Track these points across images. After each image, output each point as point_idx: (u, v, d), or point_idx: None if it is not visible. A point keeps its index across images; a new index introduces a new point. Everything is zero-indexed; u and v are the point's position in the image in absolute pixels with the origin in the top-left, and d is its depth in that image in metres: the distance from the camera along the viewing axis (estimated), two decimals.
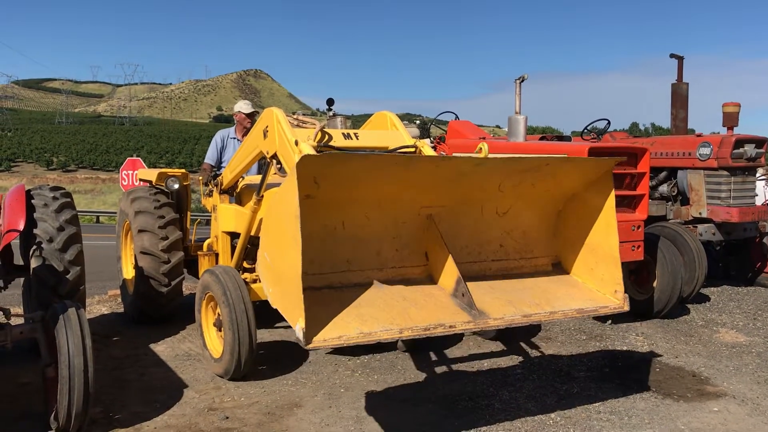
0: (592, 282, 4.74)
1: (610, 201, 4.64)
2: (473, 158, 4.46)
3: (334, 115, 5.74)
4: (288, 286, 3.62)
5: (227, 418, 4.67)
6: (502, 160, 4.58)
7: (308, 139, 4.91)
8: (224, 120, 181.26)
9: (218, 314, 5.47)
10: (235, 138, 7.39)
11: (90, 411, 4.26)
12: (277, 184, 5.16)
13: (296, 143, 4.88)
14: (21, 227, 5.04)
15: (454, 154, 4.81)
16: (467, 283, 4.24)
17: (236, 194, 6.66)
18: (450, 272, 4.33)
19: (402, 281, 4.38)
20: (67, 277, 5.38)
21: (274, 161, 5.36)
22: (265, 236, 4.11)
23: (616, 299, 4.57)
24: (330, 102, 5.94)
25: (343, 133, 5.18)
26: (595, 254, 4.74)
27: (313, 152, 4.64)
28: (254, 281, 5.99)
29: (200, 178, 7.10)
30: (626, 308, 4.55)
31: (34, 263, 5.36)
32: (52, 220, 5.52)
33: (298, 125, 5.57)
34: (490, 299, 4.33)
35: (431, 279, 4.47)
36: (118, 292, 8.09)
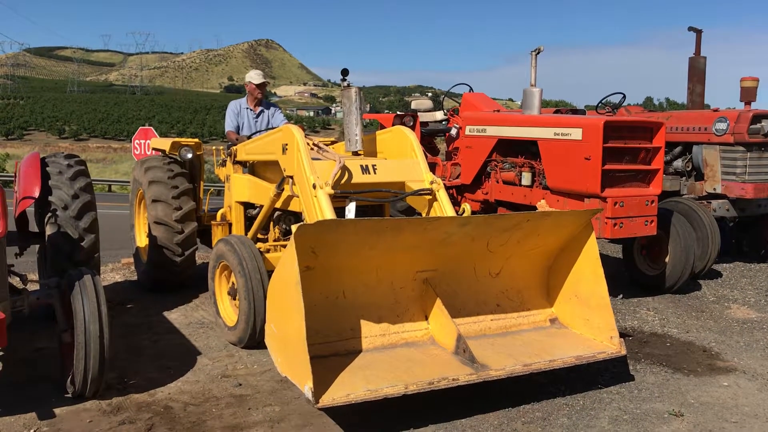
0: (589, 331, 5.00)
1: (594, 252, 4.92)
2: (457, 218, 4.66)
3: (349, 85, 5.69)
4: (294, 351, 3.86)
5: (240, 385, 4.73)
6: (485, 219, 4.78)
7: (325, 184, 4.90)
8: (235, 90, 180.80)
9: (232, 283, 5.50)
10: (248, 108, 7.37)
11: (105, 376, 4.34)
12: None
13: (314, 186, 4.91)
14: (36, 194, 5.09)
15: (438, 216, 5.02)
16: (468, 341, 4.49)
17: (249, 164, 6.66)
18: (450, 332, 4.58)
19: (405, 345, 4.65)
20: (82, 244, 5.42)
21: (291, 179, 5.33)
22: (270, 307, 4.32)
23: (612, 345, 4.80)
24: (344, 72, 5.89)
25: (361, 166, 5.17)
26: (588, 305, 4.99)
27: (318, 216, 4.80)
28: (268, 251, 6.02)
29: (221, 148, 7.06)
30: (623, 352, 4.77)
31: (49, 230, 5.40)
32: (67, 187, 5.55)
33: (317, 152, 5.54)
34: (491, 353, 4.55)
35: (433, 340, 4.73)
36: (131, 260, 8.16)
